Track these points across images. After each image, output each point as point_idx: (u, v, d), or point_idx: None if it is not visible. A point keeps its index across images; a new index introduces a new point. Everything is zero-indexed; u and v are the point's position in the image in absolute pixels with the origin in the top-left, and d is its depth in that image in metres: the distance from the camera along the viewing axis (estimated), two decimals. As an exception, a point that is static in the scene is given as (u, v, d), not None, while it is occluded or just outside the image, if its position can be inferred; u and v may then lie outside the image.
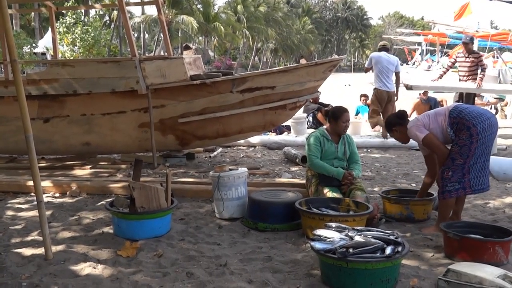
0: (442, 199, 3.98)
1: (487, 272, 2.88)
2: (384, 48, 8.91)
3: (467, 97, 9.27)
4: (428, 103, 11.98)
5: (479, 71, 8.82)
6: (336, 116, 4.65)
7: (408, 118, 4.25)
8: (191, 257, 3.48)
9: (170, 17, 42.38)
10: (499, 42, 22.73)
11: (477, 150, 3.82)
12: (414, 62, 36.63)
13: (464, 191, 3.91)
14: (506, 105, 11.48)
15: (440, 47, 30.74)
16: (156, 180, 5.47)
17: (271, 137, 8.87)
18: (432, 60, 29.83)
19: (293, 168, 6.64)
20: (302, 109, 9.20)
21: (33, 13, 35.35)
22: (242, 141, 8.21)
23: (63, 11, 25.75)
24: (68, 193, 5.30)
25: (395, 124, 4.23)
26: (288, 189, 4.74)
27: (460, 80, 9.18)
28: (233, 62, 55.88)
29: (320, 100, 10.58)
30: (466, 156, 3.84)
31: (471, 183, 3.88)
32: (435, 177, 4.20)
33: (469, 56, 8.95)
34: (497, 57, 19.22)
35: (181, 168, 6.60)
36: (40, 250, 3.50)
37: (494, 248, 3.29)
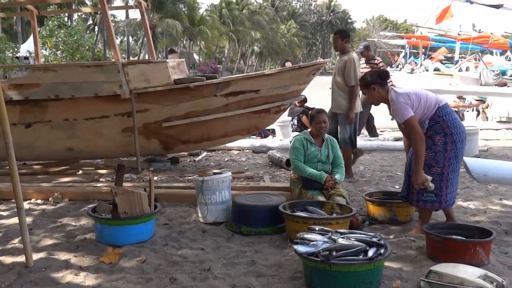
0: (416, 206, 4.05)
1: (468, 272, 2.92)
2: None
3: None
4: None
5: None
6: (311, 117, 4.72)
7: (387, 86, 4.00)
8: (175, 262, 3.46)
9: (154, 21, 42.27)
10: (481, 45, 23.08)
11: (452, 161, 3.80)
12: (398, 65, 37.02)
13: (440, 205, 3.90)
14: (487, 107, 11.63)
15: (423, 49, 31.12)
16: (140, 185, 5.44)
17: (256, 140, 8.87)
18: (416, 63, 30.16)
19: (278, 172, 6.65)
20: (287, 112, 9.24)
21: (15, 17, 34.92)
22: (227, 145, 8.19)
23: (46, 15, 25.49)
24: (50, 199, 5.24)
25: (375, 82, 3.95)
26: (272, 192, 4.75)
27: None
28: (218, 65, 55.86)
29: (307, 104, 10.63)
30: (442, 164, 3.81)
31: (447, 197, 3.86)
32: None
33: (369, 62, 9.07)
34: (479, 60, 19.52)
35: (166, 173, 6.57)
36: (21, 258, 3.45)
37: (475, 248, 3.33)
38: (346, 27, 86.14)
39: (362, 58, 9.08)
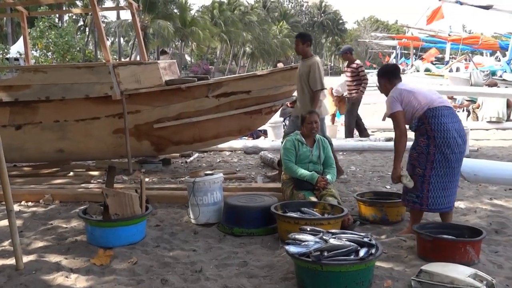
0: (403, 205, 4.12)
1: (458, 271, 2.94)
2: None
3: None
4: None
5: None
6: (302, 118, 4.72)
7: (398, 83, 4.00)
8: (166, 263, 3.46)
9: (146, 22, 42.17)
10: (471, 46, 23.24)
11: (436, 165, 3.77)
12: (389, 66, 37.06)
13: (420, 206, 3.88)
14: (478, 107, 11.70)
15: (414, 50, 31.29)
16: (131, 186, 5.42)
17: (248, 141, 8.87)
18: (407, 63, 30.32)
19: (270, 173, 6.65)
20: (278, 113, 9.25)
21: (5, 18, 34.66)
22: (219, 146, 8.18)
23: (36, 16, 25.34)
24: (41, 201, 5.21)
25: (384, 76, 4.08)
26: (264, 193, 4.75)
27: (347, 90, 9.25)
28: (210, 66, 55.80)
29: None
30: (424, 166, 3.80)
31: (429, 201, 3.83)
32: None
33: (349, 66, 9.13)
34: (469, 60, 19.65)
35: (157, 174, 6.56)
36: (11, 260, 3.43)
37: (466, 248, 3.35)
38: (338, 28, 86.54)
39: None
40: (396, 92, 3.92)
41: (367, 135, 9.28)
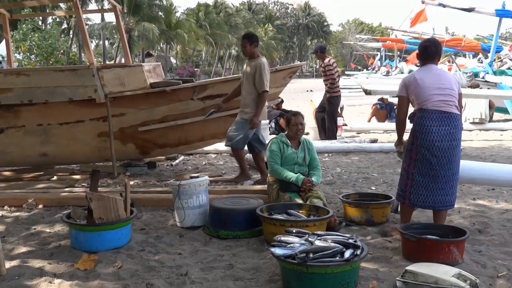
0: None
1: (442, 271, 2.97)
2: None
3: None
4: (385, 109, 12.30)
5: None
6: (288, 120, 4.74)
7: (428, 63, 3.96)
8: (151, 267, 3.43)
9: (131, 24, 41.95)
10: (454, 48, 23.51)
11: (418, 164, 3.83)
12: (374, 68, 37.46)
13: (403, 200, 3.98)
14: (461, 109, 11.83)
15: (398, 52, 31.56)
16: (116, 190, 5.38)
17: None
18: (391, 65, 30.54)
19: (255, 176, 6.64)
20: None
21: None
22: (205, 148, 8.16)
23: (20, 19, 25.08)
24: (24, 205, 5.14)
25: (419, 56, 4.06)
26: (249, 195, 4.74)
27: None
28: (196, 69, 55.69)
29: (283, 107, 10.69)
30: (407, 162, 3.91)
31: (411, 196, 3.91)
32: None
33: (321, 65, 9.25)
34: (452, 62, 19.87)
35: (142, 177, 6.52)
36: (-7, 266, 3.37)
37: (450, 248, 3.38)
38: (323, 30, 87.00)
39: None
40: (409, 77, 4.02)
41: (332, 138, 9.21)
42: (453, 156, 3.82)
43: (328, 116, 9.15)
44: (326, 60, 9.07)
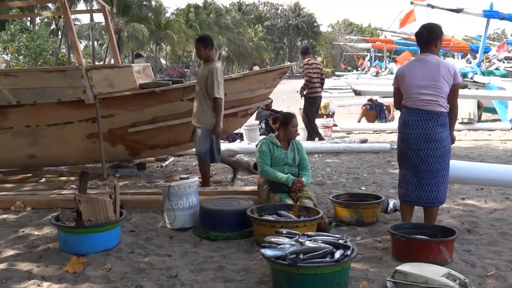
0: None
1: (432, 271, 2.98)
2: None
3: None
4: (374, 109, 12.36)
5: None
6: (286, 122, 4.71)
7: (425, 51, 3.92)
8: (141, 269, 3.41)
9: (120, 24, 41.76)
10: (443, 48, 23.66)
11: (402, 158, 3.98)
12: (363, 68, 37.61)
13: (399, 197, 4.13)
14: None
15: (388, 53, 31.72)
16: (105, 191, 5.34)
17: (223, 145, 8.83)
18: (381, 66, 30.71)
19: (246, 176, 6.65)
20: (254, 116, 9.26)
21: (-26, 21, 33.91)
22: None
23: (7, 19, 24.86)
24: (12, 208, 5.08)
25: (416, 41, 4.03)
26: (240, 197, 4.73)
27: None
28: (186, 70, 55.55)
29: (273, 107, 10.69)
30: (398, 158, 4.08)
31: (401, 191, 4.03)
32: None
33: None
34: (441, 63, 19.97)
35: (132, 179, 6.48)
36: (-20, 270, 3.34)
37: (439, 247, 3.40)
38: (313, 31, 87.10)
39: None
40: (400, 69, 4.06)
41: (312, 138, 9.31)
42: (433, 150, 3.80)
43: (305, 113, 9.30)
44: (305, 60, 9.33)
